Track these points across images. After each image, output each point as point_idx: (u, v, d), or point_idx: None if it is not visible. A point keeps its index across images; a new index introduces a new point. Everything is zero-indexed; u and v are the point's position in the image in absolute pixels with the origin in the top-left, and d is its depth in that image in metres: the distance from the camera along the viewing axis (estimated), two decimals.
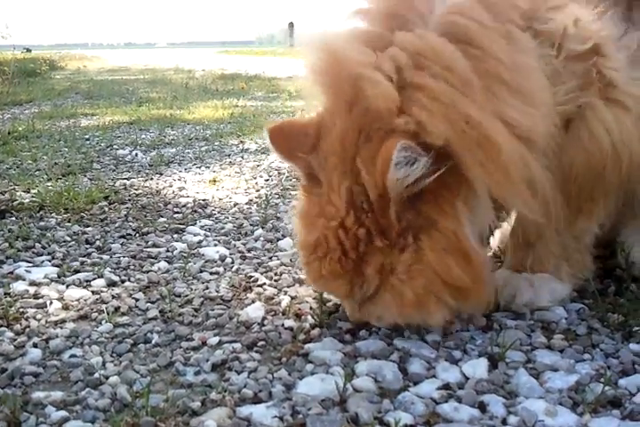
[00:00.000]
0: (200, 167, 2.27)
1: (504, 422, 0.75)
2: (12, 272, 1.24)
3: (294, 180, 1.98)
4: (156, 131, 3.18)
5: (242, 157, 2.46)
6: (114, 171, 2.23)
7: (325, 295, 1.03)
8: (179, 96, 4.96)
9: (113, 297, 1.12)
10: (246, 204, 1.76)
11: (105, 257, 1.33)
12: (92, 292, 1.15)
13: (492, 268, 0.98)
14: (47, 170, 2.16)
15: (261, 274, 1.22)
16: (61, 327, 1.01)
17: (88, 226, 1.55)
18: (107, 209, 1.69)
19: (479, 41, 0.82)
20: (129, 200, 1.79)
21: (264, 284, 1.17)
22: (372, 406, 0.77)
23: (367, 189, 0.82)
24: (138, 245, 1.41)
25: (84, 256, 1.34)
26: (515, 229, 1.05)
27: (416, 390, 0.81)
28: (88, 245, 1.41)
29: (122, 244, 1.42)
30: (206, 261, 1.30)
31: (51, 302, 1.09)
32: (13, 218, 1.61)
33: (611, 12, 0.93)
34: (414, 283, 0.84)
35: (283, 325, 1.00)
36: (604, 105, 0.91)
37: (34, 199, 1.73)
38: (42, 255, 1.35)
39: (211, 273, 1.24)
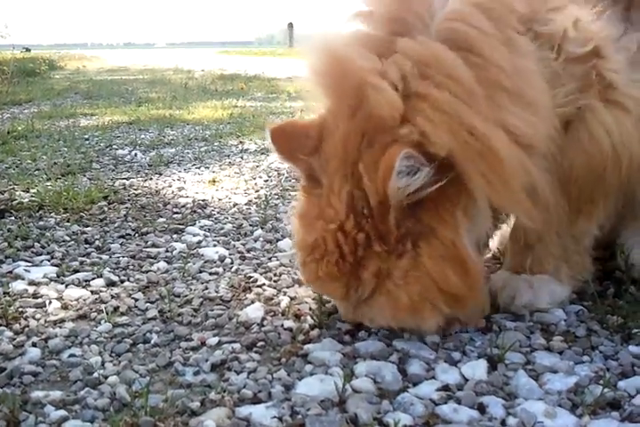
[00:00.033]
0: (199, 168, 2.27)
1: (503, 423, 0.75)
2: (11, 272, 1.24)
3: (294, 180, 1.98)
4: (156, 131, 3.18)
5: (241, 158, 2.46)
6: (113, 171, 2.23)
7: (325, 296, 1.03)
8: (178, 96, 4.96)
9: (112, 297, 1.12)
10: (246, 204, 1.76)
11: (104, 257, 1.33)
12: (92, 292, 1.15)
13: (486, 275, 0.98)
14: (46, 170, 2.16)
15: (261, 275, 1.22)
16: (60, 327, 1.01)
17: (87, 226, 1.55)
18: (106, 209, 1.69)
19: (479, 48, 0.82)
20: (128, 200, 1.79)
21: (263, 284, 1.17)
22: (371, 407, 0.77)
23: (368, 195, 0.82)
24: (137, 245, 1.41)
25: (84, 256, 1.34)
26: (514, 230, 1.05)
27: (415, 392, 0.81)
28: (87, 245, 1.41)
29: (121, 244, 1.42)
30: (205, 262, 1.30)
31: (50, 302, 1.09)
32: (13, 217, 1.61)
33: (609, 12, 0.93)
34: (410, 288, 0.84)
35: (282, 325, 1.00)
36: (604, 107, 0.91)
37: (33, 199, 1.73)
38: (41, 255, 1.35)
39: (210, 273, 1.24)
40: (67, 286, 1.17)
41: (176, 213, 1.68)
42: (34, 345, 0.94)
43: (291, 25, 25.02)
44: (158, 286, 1.17)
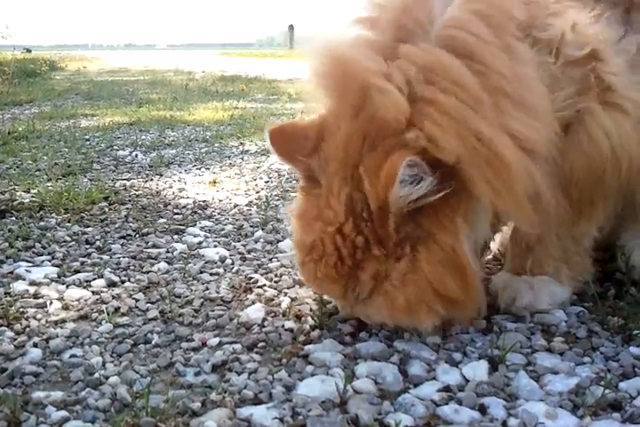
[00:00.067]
0: (200, 169, 2.28)
1: (504, 424, 0.75)
2: (12, 272, 1.24)
3: (294, 182, 1.98)
4: (156, 132, 3.18)
5: (242, 159, 2.46)
6: (114, 171, 2.23)
7: (325, 297, 1.04)
8: (179, 97, 4.96)
9: (113, 297, 1.12)
10: (246, 205, 1.77)
11: (105, 257, 1.33)
12: (92, 292, 1.15)
13: (486, 276, 0.98)
14: (47, 170, 2.16)
15: (261, 275, 1.23)
16: (61, 327, 1.01)
17: (88, 226, 1.55)
18: (107, 210, 1.69)
19: (480, 55, 0.82)
20: (129, 201, 1.79)
21: (264, 285, 1.18)
22: (372, 408, 0.77)
23: (368, 199, 0.82)
24: (138, 245, 1.41)
25: (84, 256, 1.34)
26: (514, 232, 1.05)
27: (416, 392, 0.81)
28: (88, 246, 1.41)
29: (122, 244, 1.42)
30: (206, 262, 1.30)
31: (51, 302, 1.09)
32: (13, 218, 1.61)
33: (609, 15, 0.93)
34: (407, 290, 0.84)
35: (283, 326, 1.00)
36: (603, 109, 0.91)
37: (34, 199, 1.73)
38: (42, 255, 1.35)
39: (211, 274, 1.24)
40: (67, 287, 1.17)
41: (177, 213, 1.68)
42: (35, 345, 0.94)
43: (291, 27, 25.03)
44: (159, 287, 1.17)
